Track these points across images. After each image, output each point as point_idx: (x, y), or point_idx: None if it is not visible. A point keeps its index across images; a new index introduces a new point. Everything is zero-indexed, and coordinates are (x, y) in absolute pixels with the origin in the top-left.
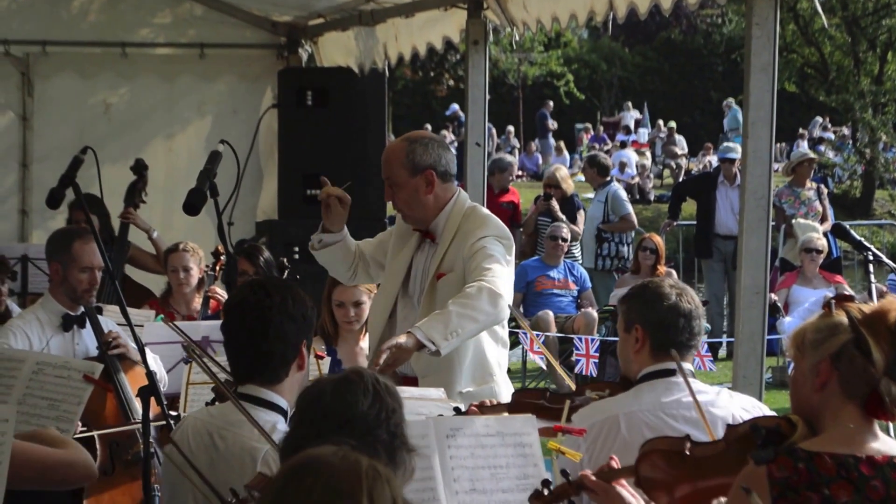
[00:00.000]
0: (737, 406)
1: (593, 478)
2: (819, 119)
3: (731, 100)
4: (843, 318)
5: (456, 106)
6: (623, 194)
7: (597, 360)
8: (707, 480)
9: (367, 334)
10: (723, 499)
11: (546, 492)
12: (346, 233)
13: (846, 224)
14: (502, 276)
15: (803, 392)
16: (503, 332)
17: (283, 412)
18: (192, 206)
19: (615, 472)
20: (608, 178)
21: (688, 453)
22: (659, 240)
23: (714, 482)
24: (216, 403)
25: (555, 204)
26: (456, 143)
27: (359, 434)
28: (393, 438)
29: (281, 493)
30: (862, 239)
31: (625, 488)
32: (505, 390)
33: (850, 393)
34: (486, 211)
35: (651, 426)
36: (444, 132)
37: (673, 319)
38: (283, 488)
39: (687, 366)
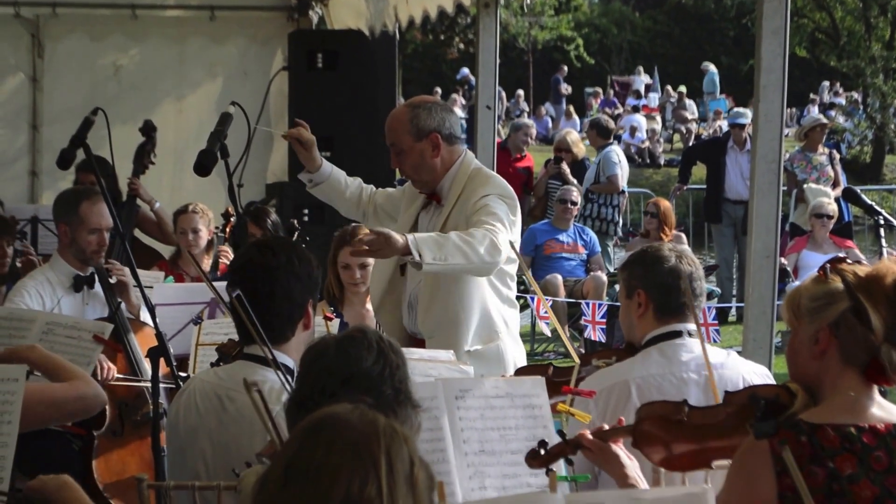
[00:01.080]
0: (747, 369)
1: (590, 437)
2: (826, 83)
3: (707, 63)
4: (840, 284)
5: (466, 70)
6: (615, 156)
7: (604, 326)
8: (704, 443)
9: (371, 285)
10: (720, 462)
11: (542, 452)
12: (329, 170)
13: (857, 189)
14: (503, 233)
15: (802, 360)
16: (508, 290)
17: (290, 371)
18: (203, 166)
19: (611, 432)
20: (609, 141)
21: (685, 419)
22: (666, 204)
23: (711, 445)
24: (221, 364)
25: (565, 167)
26: (466, 107)
27: (363, 390)
28: (397, 394)
29: (298, 451)
30: (873, 203)
31: (621, 448)
32: (512, 349)
33: (849, 360)
34: (490, 171)
35: (661, 390)
36: (455, 96)
37: (674, 282)
38: (300, 447)
39: (691, 326)
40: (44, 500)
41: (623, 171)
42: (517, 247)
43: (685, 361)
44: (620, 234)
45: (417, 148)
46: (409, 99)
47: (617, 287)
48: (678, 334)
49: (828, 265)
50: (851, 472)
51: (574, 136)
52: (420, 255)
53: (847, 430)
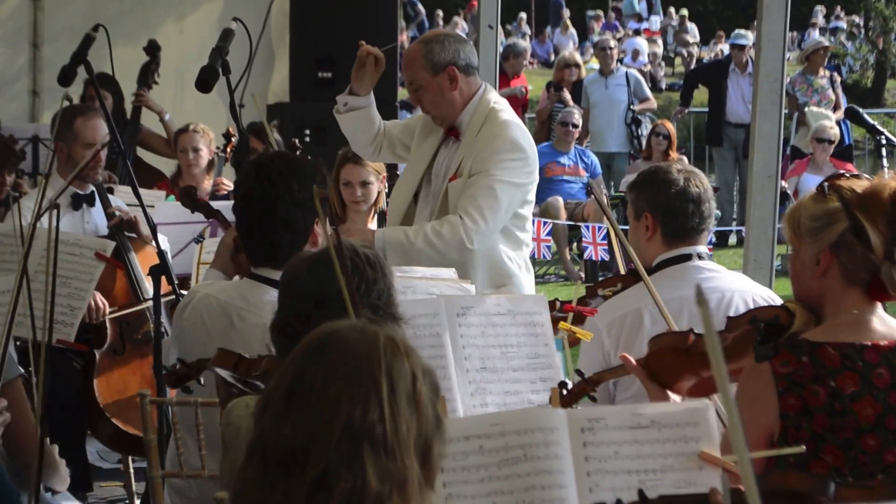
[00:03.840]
0: (756, 287)
1: (633, 361)
2: (820, 7)
3: None
4: (838, 203)
5: None
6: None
7: (606, 247)
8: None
9: (388, 216)
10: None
11: (564, 392)
12: (372, 99)
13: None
14: (481, 229)
15: (804, 279)
16: (523, 233)
17: None
18: (204, 82)
19: (622, 369)
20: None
21: (692, 348)
22: (671, 125)
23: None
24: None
25: (566, 93)
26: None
27: (338, 310)
28: (375, 311)
29: (298, 376)
30: (875, 123)
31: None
32: (527, 287)
33: (851, 280)
34: (506, 116)
35: (673, 315)
36: (457, 18)
37: (682, 205)
38: (300, 372)
39: (701, 248)
40: None
41: None
42: (532, 196)
43: (697, 285)
44: None
45: (435, 83)
46: (421, 35)
47: (619, 209)
48: (688, 257)
49: (826, 183)
50: (854, 391)
51: (577, 56)
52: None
53: (849, 348)
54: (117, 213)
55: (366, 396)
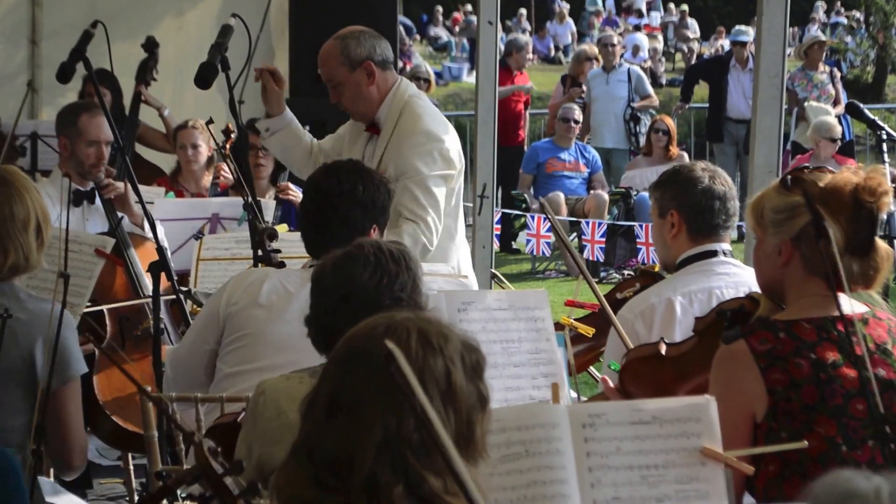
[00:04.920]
0: None
1: (611, 384)
2: (821, 2)
3: None
4: (801, 197)
5: None
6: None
7: (603, 246)
8: (692, 379)
9: None
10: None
11: None
12: (291, 117)
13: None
14: (431, 223)
15: (767, 268)
16: (456, 223)
17: None
18: (203, 79)
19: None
20: (618, 60)
21: (664, 353)
22: (670, 121)
23: (699, 380)
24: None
25: (584, 87)
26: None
27: (362, 304)
28: (397, 303)
29: (339, 383)
30: (876, 118)
31: None
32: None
33: (812, 271)
34: (420, 109)
35: (703, 304)
36: (456, 14)
37: (708, 203)
38: (340, 378)
39: (726, 245)
40: None
41: None
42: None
43: (722, 276)
44: None
45: (353, 79)
46: (337, 32)
47: (619, 205)
48: (713, 254)
49: (789, 176)
50: (834, 359)
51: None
52: None
53: (821, 320)
54: (105, 193)
55: (400, 407)
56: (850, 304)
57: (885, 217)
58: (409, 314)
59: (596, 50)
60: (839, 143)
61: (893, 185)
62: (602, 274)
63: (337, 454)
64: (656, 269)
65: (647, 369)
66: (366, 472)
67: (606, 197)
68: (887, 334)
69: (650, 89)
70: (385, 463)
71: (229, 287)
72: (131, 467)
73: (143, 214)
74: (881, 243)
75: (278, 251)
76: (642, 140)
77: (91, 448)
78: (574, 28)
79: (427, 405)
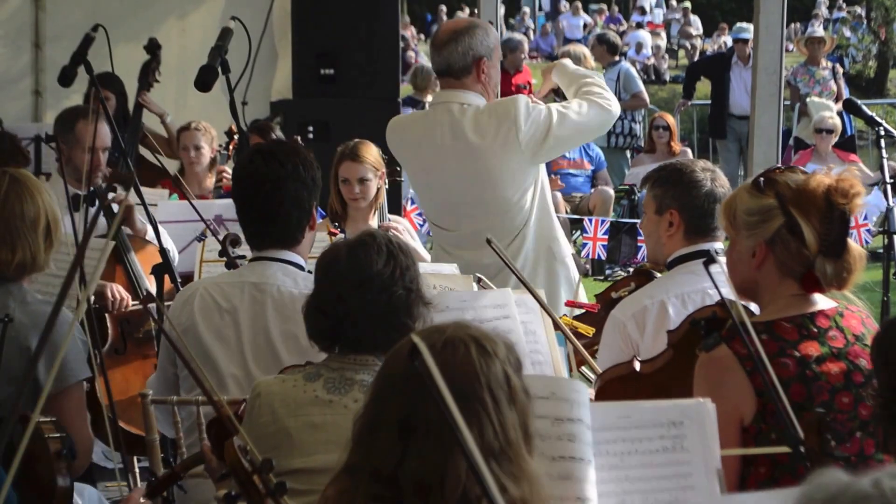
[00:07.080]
0: None
1: None
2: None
3: None
4: (773, 200)
5: None
6: (634, 72)
7: (605, 243)
8: (671, 393)
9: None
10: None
11: None
12: None
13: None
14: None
15: (741, 270)
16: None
17: (301, 268)
18: (204, 82)
19: None
20: (616, 58)
21: (638, 369)
22: (671, 118)
23: (677, 394)
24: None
25: None
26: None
27: (376, 292)
28: (409, 293)
29: (411, 407)
30: (873, 115)
31: None
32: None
33: (786, 272)
34: None
35: (696, 305)
36: (459, 13)
37: (709, 206)
38: (411, 402)
39: (718, 245)
40: None
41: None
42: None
43: (714, 276)
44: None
45: None
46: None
47: (623, 203)
48: (706, 253)
49: (762, 177)
50: (817, 355)
51: (585, 49)
52: None
53: (800, 318)
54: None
55: (478, 419)
56: (825, 300)
57: (884, 212)
58: (452, 325)
59: (587, 50)
60: (831, 133)
61: (892, 181)
62: (607, 272)
63: (426, 476)
64: (648, 266)
65: (623, 389)
66: (459, 492)
67: (612, 193)
68: (862, 326)
69: (640, 87)
70: (473, 478)
71: (172, 308)
72: (136, 470)
73: (148, 220)
74: (853, 245)
75: (243, 257)
76: (619, 140)
77: (97, 451)
78: (588, 20)
79: (452, 405)
